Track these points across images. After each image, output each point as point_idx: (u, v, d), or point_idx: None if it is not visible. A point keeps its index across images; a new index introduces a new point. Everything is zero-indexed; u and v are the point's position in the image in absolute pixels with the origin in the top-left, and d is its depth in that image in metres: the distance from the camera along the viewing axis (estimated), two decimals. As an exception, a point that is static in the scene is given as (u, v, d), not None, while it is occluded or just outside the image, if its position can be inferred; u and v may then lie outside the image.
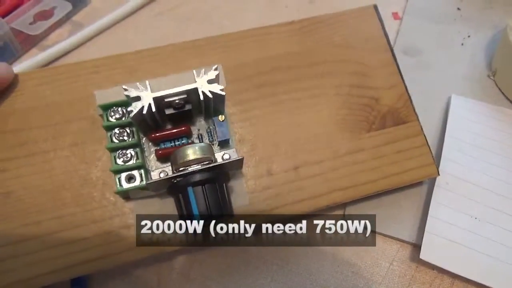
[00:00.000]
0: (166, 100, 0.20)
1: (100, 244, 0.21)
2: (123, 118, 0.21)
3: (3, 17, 0.28)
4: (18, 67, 0.29)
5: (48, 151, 0.22)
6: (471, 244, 0.24)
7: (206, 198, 0.19)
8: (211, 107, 0.21)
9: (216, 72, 0.20)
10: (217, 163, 0.19)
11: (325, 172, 0.24)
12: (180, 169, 0.20)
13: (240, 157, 0.20)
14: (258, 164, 0.23)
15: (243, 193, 0.23)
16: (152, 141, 0.22)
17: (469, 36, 0.33)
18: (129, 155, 0.21)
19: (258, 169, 0.23)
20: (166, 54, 0.25)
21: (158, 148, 0.22)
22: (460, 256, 0.23)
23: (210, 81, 0.20)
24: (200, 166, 0.20)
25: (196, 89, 0.20)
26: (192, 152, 0.20)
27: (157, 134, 0.21)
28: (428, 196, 0.25)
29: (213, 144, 0.22)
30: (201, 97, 0.19)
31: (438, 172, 0.25)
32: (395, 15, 0.31)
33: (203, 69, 0.20)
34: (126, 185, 0.21)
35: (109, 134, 0.21)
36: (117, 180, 0.21)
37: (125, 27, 0.32)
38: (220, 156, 0.22)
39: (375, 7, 0.27)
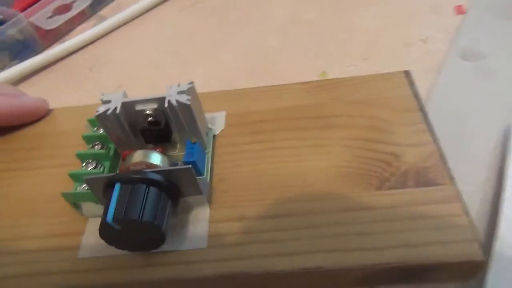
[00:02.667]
0: (136, 109, 0.20)
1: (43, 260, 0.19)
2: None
3: (22, 11, 0.27)
4: (35, 60, 0.29)
5: (37, 168, 0.23)
6: None
7: (130, 199, 0.16)
8: (182, 123, 0.20)
9: (189, 86, 0.19)
10: (159, 169, 0.17)
11: (313, 227, 0.18)
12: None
13: (186, 167, 0.17)
14: (232, 206, 0.20)
15: (202, 232, 0.19)
16: (124, 159, 0.21)
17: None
18: (94, 165, 0.20)
19: (231, 211, 0.19)
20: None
21: (126, 165, 0.20)
22: None
23: (180, 92, 0.19)
24: (144, 166, 0.17)
25: (164, 99, 0.19)
26: (140, 155, 0.18)
27: (127, 152, 0.20)
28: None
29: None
30: (166, 105, 0.19)
31: (484, 254, 0.17)
32: (459, 9, 0.25)
33: (177, 84, 0.20)
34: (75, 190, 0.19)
35: (88, 146, 0.21)
36: (74, 187, 0.20)
37: (146, 21, 0.31)
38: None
39: (407, 73, 0.25)
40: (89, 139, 0.21)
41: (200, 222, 0.19)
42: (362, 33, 0.31)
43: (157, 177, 0.17)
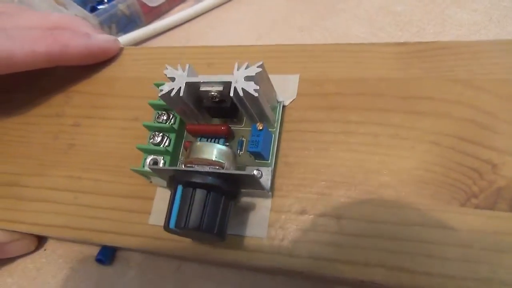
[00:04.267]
0: (201, 89, 0.18)
1: (117, 219, 0.21)
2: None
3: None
4: (138, 33, 0.31)
5: (113, 119, 0.24)
6: None
7: (191, 205, 0.16)
8: (248, 108, 0.18)
9: (258, 70, 0.17)
10: (222, 171, 0.16)
11: (379, 237, 0.17)
12: (188, 165, 0.17)
13: (250, 173, 0.16)
14: (295, 196, 0.19)
15: (262, 221, 0.19)
16: (189, 133, 0.20)
17: None
18: (159, 139, 0.20)
19: (293, 202, 0.19)
20: (250, 54, 0.23)
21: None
22: None
23: (247, 78, 0.17)
24: (208, 168, 0.17)
25: (229, 84, 0.17)
26: (206, 150, 0.17)
27: (191, 126, 0.20)
28: None
29: (241, 154, 0.19)
30: (231, 93, 0.17)
31: None
32: None
33: (247, 63, 0.17)
34: (144, 167, 0.20)
35: (155, 113, 0.21)
36: (143, 160, 0.20)
37: (237, 5, 0.31)
38: (251, 171, 0.19)
39: (540, 41, 0.19)
40: (156, 107, 0.21)
41: (261, 209, 0.19)
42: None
43: (219, 182, 0.16)
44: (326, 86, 0.21)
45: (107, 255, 0.23)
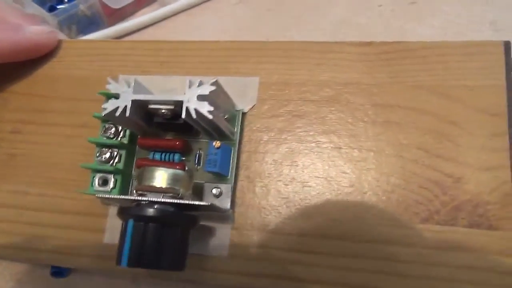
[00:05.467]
0: (150, 106, 0.16)
1: (71, 239, 0.20)
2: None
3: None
4: (98, 34, 0.30)
5: (58, 125, 0.22)
6: None
7: (144, 242, 0.15)
8: (202, 126, 0.17)
9: (211, 88, 0.15)
10: (177, 201, 0.15)
11: (341, 256, 0.17)
12: (139, 192, 0.16)
13: (208, 204, 0.15)
14: (258, 212, 0.18)
15: (224, 239, 0.18)
16: (141, 148, 0.19)
17: None
18: (108, 155, 0.18)
19: (255, 217, 0.18)
20: (207, 52, 0.21)
21: (144, 158, 0.18)
22: None
23: (200, 97, 0.15)
24: (162, 197, 0.16)
25: (181, 103, 0.15)
26: (158, 176, 0.16)
27: (144, 140, 0.18)
28: None
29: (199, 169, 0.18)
30: (183, 114, 0.15)
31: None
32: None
33: (199, 80, 0.16)
34: (95, 188, 0.18)
35: (101, 125, 0.19)
36: (91, 179, 0.18)
37: (204, 11, 0.30)
38: (210, 189, 0.18)
39: (507, 45, 0.18)
40: (103, 119, 0.19)
41: (222, 227, 0.18)
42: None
43: (174, 215, 0.15)
44: (289, 89, 0.20)
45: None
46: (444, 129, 0.18)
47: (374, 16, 0.26)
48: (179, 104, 0.16)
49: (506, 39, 0.18)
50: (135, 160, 0.19)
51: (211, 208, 0.16)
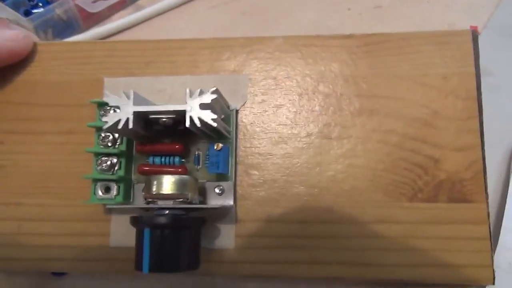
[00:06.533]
0: (151, 116, 0.17)
1: (75, 245, 0.20)
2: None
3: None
4: (75, 39, 0.29)
5: (44, 133, 0.21)
6: None
7: (163, 247, 0.15)
8: (204, 132, 0.17)
9: (213, 96, 0.16)
10: (189, 206, 0.16)
11: (337, 237, 0.19)
12: (149, 199, 0.17)
13: (216, 206, 0.16)
14: (258, 203, 0.19)
15: (229, 232, 0.19)
16: (140, 153, 0.19)
17: None
18: (108, 163, 0.18)
19: (257, 210, 0.19)
20: (193, 50, 0.21)
21: (144, 163, 0.19)
22: None
23: (203, 106, 0.16)
24: (172, 203, 0.16)
25: (184, 112, 0.16)
26: (167, 183, 0.16)
27: (143, 146, 0.18)
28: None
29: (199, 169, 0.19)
30: (187, 123, 0.16)
31: (494, 281, 0.18)
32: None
33: (199, 89, 0.16)
34: (99, 197, 0.18)
35: (96, 135, 0.19)
36: (93, 188, 0.19)
37: (179, 15, 0.30)
38: (212, 188, 0.19)
39: (474, 33, 0.20)
40: (98, 128, 0.19)
41: (227, 221, 0.19)
42: None
43: (187, 219, 0.16)
44: (275, 84, 0.20)
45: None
46: (423, 115, 0.19)
47: (343, 19, 0.28)
48: (181, 113, 0.16)
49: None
50: (133, 165, 0.19)
51: (219, 208, 0.16)
